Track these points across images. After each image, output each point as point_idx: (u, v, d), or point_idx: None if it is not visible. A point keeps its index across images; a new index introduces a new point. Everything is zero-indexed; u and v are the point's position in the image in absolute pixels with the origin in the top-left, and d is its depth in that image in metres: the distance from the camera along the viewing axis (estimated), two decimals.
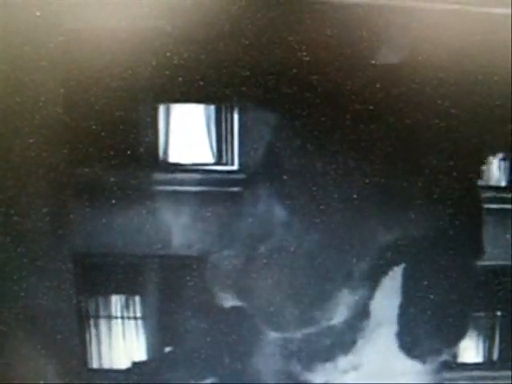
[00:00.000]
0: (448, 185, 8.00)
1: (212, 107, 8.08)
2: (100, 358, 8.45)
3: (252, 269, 8.05)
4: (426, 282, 8.24)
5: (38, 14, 7.36)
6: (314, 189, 7.93)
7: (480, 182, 8.46)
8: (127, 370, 8.41)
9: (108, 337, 8.43)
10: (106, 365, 8.47)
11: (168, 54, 7.61)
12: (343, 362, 8.44)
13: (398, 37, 7.68)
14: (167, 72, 7.67)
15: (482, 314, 8.84)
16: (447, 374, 8.75)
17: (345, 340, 8.43)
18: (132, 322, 8.42)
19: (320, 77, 7.72)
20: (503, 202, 8.45)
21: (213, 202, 8.03)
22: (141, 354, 8.42)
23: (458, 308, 8.51)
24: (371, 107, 7.78)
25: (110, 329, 8.43)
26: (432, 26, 7.66)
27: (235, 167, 8.11)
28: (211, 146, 8.19)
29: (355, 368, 8.49)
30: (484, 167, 8.48)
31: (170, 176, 8.03)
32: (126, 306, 8.39)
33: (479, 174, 8.37)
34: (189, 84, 7.74)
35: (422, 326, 8.57)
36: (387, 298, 8.31)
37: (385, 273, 8.15)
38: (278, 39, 7.59)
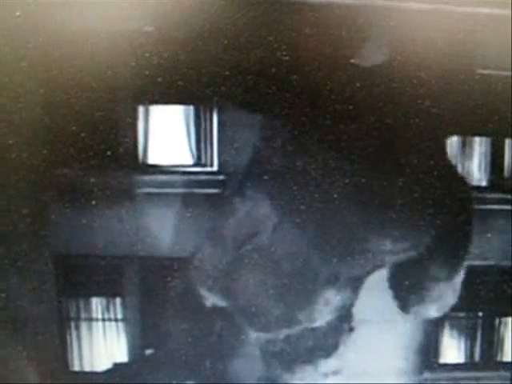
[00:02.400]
0: (429, 184, 7.97)
1: (191, 108, 8.07)
2: (81, 359, 8.42)
3: (233, 269, 8.01)
4: (407, 282, 8.22)
5: (17, 14, 7.33)
6: (295, 189, 7.90)
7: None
8: (108, 372, 8.37)
9: (89, 338, 8.40)
10: (87, 366, 8.44)
11: (147, 55, 7.60)
12: (324, 363, 8.43)
13: (378, 36, 7.66)
14: (147, 72, 7.65)
15: (463, 314, 8.84)
16: (429, 375, 8.74)
17: (327, 340, 8.43)
18: (113, 323, 8.39)
19: (300, 76, 7.70)
20: (484, 202, 8.45)
21: (192, 204, 8.01)
22: (122, 356, 8.39)
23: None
24: (351, 107, 7.76)
25: (90, 331, 8.39)
26: (412, 26, 7.64)
27: (215, 168, 8.10)
28: (190, 148, 8.17)
29: (337, 369, 8.47)
30: (464, 167, 8.50)
31: (149, 177, 8.01)
32: (107, 307, 8.36)
33: (460, 174, 8.38)
34: (168, 84, 7.72)
35: (404, 326, 8.57)
36: (368, 298, 8.28)
37: (365, 272, 8.12)
38: (258, 39, 7.58)
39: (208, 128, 8.06)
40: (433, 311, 8.40)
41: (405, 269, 8.22)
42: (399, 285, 8.30)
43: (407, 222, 8.00)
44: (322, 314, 8.25)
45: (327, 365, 8.47)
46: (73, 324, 8.37)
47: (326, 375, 8.43)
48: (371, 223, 7.95)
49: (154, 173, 8.04)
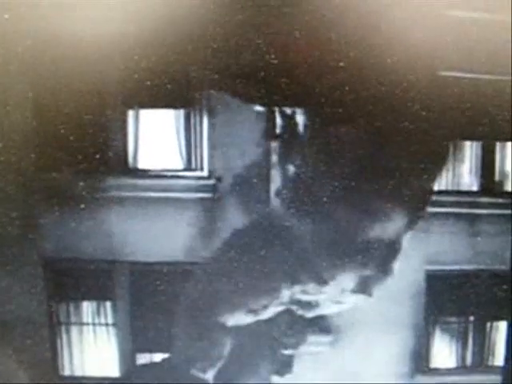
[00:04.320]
0: (418, 187, 7.95)
1: (181, 112, 8.04)
2: (71, 364, 8.40)
3: (222, 273, 8.00)
4: (396, 287, 8.20)
5: (6, 17, 7.31)
6: (284, 192, 7.89)
7: (451, 186, 8.48)
8: (98, 377, 8.35)
9: (79, 343, 8.38)
10: (78, 371, 8.42)
11: (136, 58, 7.57)
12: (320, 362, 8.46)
13: (367, 39, 7.62)
14: (135, 76, 7.63)
15: (454, 318, 8.80)
16: (421, 379, 8.71)
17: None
18: (103, 328, 8.36)
19: (289, 80, 7.67)
20: (474, 207, 8.43)
21: (182, 208, 7.99)
22: (112, 361, 8.37)
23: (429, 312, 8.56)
24: (340, 110, 7.73)
25: (81, 335, 8.37)
26: (401, 29, 7.60)
27: (205, 173, 8.06)
28: (180, 152, 8.14)
29: (329, 372, 8.47)
30: (455, 171, 8.47)
31: (138, 182, 7.98)
32: (98, 312, 8.34)
33: (450, 178, 8.36)
34: (157, 88, 7.70)
35: (396, 330, 8.56)
36: (361, 302, 8.27)
37: (355, 275, 8.10)
38: (247, 42, 7.54)
39: (198, 132, 8.02)
40: None
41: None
42: None
43: (396, 225, 7.97)
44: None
45: (322, 367, 8.49)
46: (63, 328, 8.35)
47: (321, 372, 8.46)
48: (360, 226, 7.92)
49: (143, 177, 8.02)
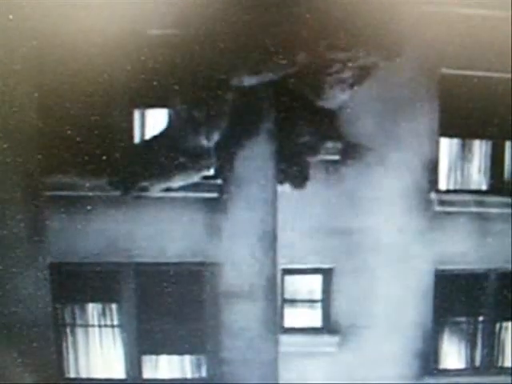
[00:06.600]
0: None
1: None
2: (77, 366, 8.36)
3: (228, 275, 8.00)
4: (404, 288, 8.20)
5: (10, 17, 7.26)
6: (294, 192, 7.90)
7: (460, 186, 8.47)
8: (104, 379, 8.32)
9: (85, 345, 8.33)
10: (83, 373, 8.38)
11: (143, 58, 7.52)
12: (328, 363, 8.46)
13: (375, 39, 7.59)
14: (142, 76, 7.58)
15: (463, 319, 8.78)
16: (429, 380, 8.70)
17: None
18: (109, 329, 8.32)
19: (297, 80, 7.65)
20: (483, 206, 8.40)
21: (189, 208, 7.95)
22: (118, 362, 8.33)
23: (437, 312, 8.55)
24: (349, 110, 7.73)
25: (86, 337, 8.33)
26: (410, 28, 7.58)
27: (211, 172, 8.02)
28: None
29: (337, 374, 8.46)
30: (464, 170, 8.46)
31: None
32: (103, 313, 8.30)
33: (459, 177, 8.36)
34: (164, 88, 7.64)
35: (404, 331, 8.56)
36: (368, 304, 8.27)
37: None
38: (254, 42, 7.49)
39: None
40: None
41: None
42: None
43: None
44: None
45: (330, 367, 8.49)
46: (69, 330, 8.30)
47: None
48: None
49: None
